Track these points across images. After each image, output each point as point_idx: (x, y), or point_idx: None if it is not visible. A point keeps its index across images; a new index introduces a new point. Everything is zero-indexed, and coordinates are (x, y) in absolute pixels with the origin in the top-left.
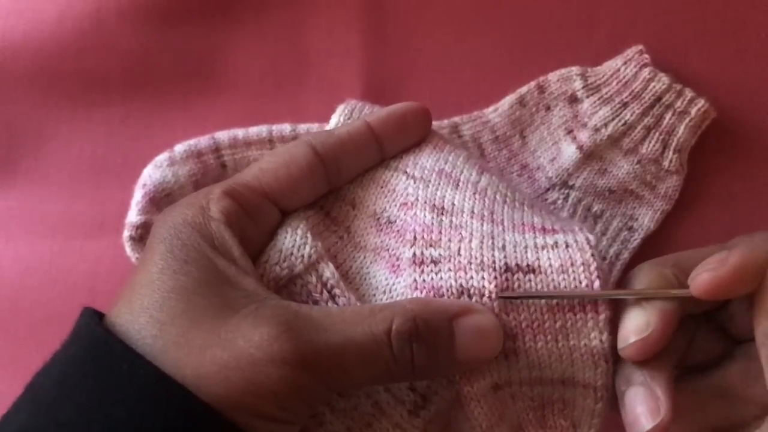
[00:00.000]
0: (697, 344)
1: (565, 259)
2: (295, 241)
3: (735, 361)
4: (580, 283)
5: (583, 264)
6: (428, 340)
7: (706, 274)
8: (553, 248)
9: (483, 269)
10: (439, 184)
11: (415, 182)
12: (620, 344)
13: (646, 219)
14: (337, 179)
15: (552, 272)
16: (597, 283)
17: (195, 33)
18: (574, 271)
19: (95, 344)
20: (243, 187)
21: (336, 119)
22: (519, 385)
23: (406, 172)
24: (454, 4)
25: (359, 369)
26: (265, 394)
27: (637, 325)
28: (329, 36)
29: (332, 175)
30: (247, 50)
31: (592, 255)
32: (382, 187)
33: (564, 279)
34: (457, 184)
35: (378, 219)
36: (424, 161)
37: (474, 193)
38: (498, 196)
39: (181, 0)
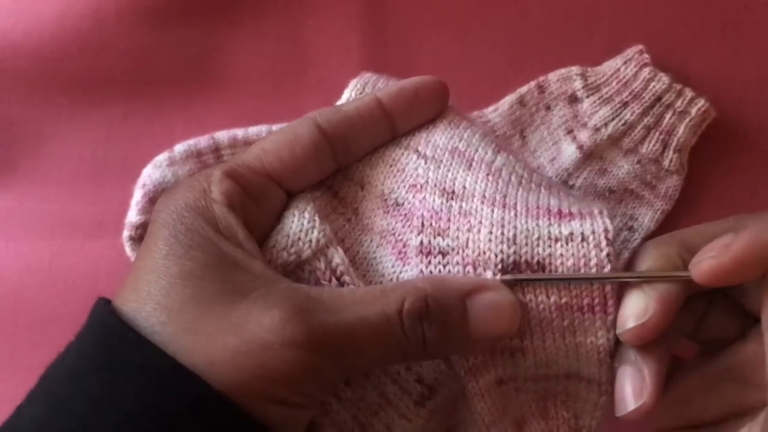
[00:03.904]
0: (710, 321)
1: (578, 257)
2: (303, 225)
3: (747, 342)
4: (591, 284)
5: (597, 265)
6: (439, 319)
7: (708, 261)
8: (567, 241)
9: (491, 266)
10: (451, 164)
11: (426, 162)
12: (619, 329)
13: (646, 219)
14: (345, 158)
15: (563, 271)
16: (608, 287)
17: (195, 33)
18: (586, 273)
19: (107, 334)
20: (244, 168)
21: (348, 94)
22: (524, 381)
23: (417, 150)
24: (454, 4)
25: (372, 349)
26: (278, 378)
27: (636, 310)
28: (329, 36)
29: (339, 153)
30: (247, 50)
31: (608, 255)
32: (391, 166)
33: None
34: (470, 164)
35: (385, 200)
36: (437, 139)
37: (487, 174)
38: (513, 177)
39: (181, 0)
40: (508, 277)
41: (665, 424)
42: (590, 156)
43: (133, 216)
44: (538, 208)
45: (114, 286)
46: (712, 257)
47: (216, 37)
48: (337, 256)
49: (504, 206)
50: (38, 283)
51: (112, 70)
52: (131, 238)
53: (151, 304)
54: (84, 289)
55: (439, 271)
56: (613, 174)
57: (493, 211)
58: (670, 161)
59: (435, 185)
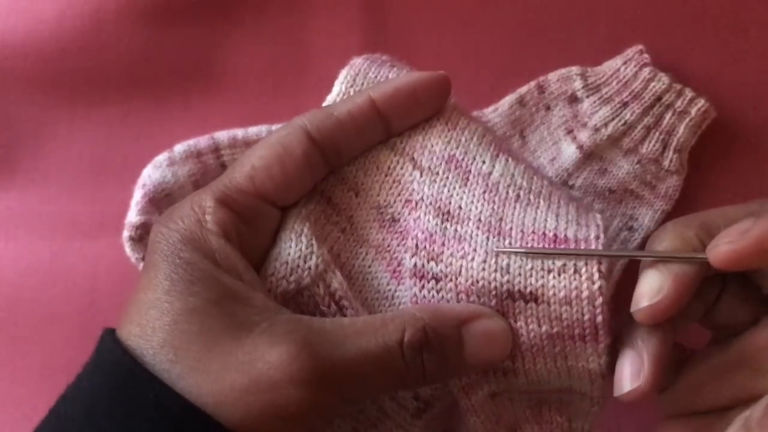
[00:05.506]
0: (723, 306)
1: (570, 289)
2: (301, 251)
3: (760, 329)
4: (583, 316)
5: (588, 297)
6: (438, 349)
7: (725, 246)
8: (560, 272)
9: (483, 294)
10: (447, 178)
11: (421, 175)
12: (633, 307)
13: (646, 219)
14: (337, 161)
15: (555, 302)
16: (599, 318)
17: (195, 33)
18: (577, 304)
19: (118, 371)
20: (237, 193)
21: (339, 87)
22: (518, 393)
23: (413, 158)
24: (454, 4)
25: (374, 379)
26: (286, 416)
27: (650, 289)
28: (329, 36)
29: (331, 158)
30: (247, 50)
31: (600, 288)
32: (386, 176)
33: (566, 311)
34: (467, 179)
35: (381, 214)
36: (434, 144)
37: (484, 192)
38: (511, 191)
39: (182, 0)
40: (508, 249)
41: (676, 410)
42: (590, 156)
43: (133, 216)
44: (533, 232)
45: (114, 286)
46: (730, 242)
47: (216, 37)
48: (335, 281)
49: (499, 233)
50: (38, 283)
51: (112, 70)
52: (131, 238)
53: (157, 340)
54: (84, 289)
55: (433, 296)
56: (613, 174)
57: (488, 238)
58: (670, 161)
59: (430, 203)
